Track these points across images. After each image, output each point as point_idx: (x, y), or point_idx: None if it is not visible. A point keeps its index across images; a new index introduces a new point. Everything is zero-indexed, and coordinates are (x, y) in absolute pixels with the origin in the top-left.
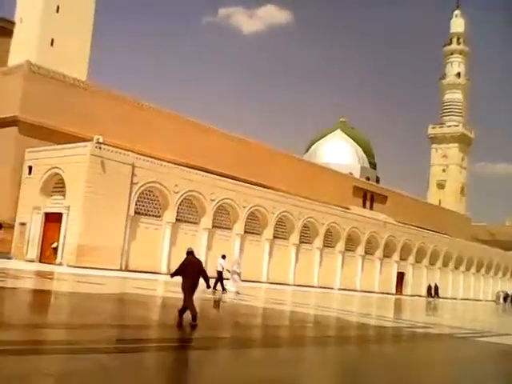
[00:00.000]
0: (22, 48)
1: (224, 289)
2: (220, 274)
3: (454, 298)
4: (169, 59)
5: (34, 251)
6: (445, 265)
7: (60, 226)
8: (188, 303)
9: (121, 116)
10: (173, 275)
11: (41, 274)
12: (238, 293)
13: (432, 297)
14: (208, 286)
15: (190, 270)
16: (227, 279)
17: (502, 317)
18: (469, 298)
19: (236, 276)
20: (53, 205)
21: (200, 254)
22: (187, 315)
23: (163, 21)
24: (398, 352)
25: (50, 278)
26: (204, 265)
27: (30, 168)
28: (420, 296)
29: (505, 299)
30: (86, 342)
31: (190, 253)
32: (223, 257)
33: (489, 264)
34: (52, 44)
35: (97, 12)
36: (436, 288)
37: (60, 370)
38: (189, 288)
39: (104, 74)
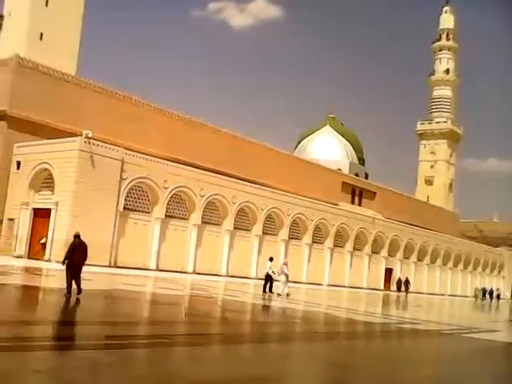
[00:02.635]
0: (11, 42)
1: (271, 291)
2: (269, 276)
3: (442, 294)
4: (158, 54)
5: (22, 247)
6: (433, 261)
7: (49, 222)
8: (76, 278)
9: (110, 111)
10: (65, 258)
11: (29, 270)
12: (288, 294)
13: (401, 291)
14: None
15: (78, 251)
16: (277, 280)
17: (487, 313)
18: (455, 294)
19: (284, 277)
20: (41, 200)
21: (189, 251)
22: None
23: (153, 15)
24: (378, 349)
25: (38, 274)
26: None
27: (19, 163)
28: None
29: (488, 295)
30: (75, 339)
31: (76, 236)
32: (271, 259)
33: (476, 260)
34: (41, 38)
35: (86, 6)
36: (406, 282)
37: (49, 366)
38: (76, 265)
39: (94, 68)
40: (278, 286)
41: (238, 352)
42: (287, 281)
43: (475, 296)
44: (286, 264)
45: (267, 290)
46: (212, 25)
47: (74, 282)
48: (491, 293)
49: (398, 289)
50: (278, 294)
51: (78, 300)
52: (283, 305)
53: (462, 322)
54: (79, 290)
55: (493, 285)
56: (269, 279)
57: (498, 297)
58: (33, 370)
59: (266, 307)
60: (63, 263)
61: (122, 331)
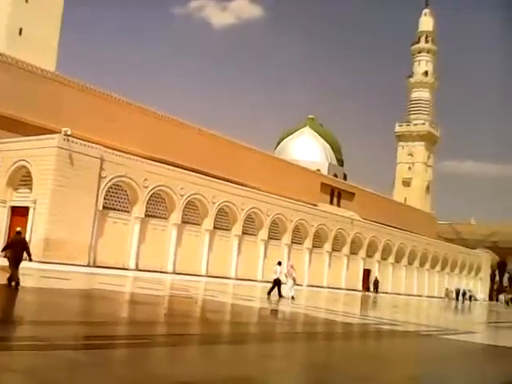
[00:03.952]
0: None
1: (280, 295)
2: (277, 281)
3: (420, 295)
4: (139, 51)
5: None
6: (410, 262)
7: (27, 220)
8: (13, 272)
9: (90, 108)
10: (3, 250)
11: (5, 269)
12: (293, 298)
13: (370, 291)
14: (30, 259)
15: (15, 246)
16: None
17: (459, 314)
18: (433, 295)
19: (291, 281)
20: (19, 198)
21: (169, 250)
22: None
23: (133, 12)
24: (357, 350)
25: None
26: (28, 244)
27: None
28: (386, 293)
29: (462, 296)
30: (52, 339)
31: (18, 233)
32: (279, 263)
33: (453, 262)
34: (20, 33)
35: (67, 3)
36: (376, 282)
37: (26, 366)
38: (14, 260)
39: (73, 65)
40: (284, 290)
41: (218, 352)
42: (294, 284)
43: (446, 296)
44: (292, 267)
45: (272, 293)
46: (193, 23)
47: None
48: (464, 294)
49: (367, 289)
50: (280, 296)
51: (16, 291)
52: (273, 306)
53: (438, 323)
54: (17, 284)
55: (466, 286)
56: (277, 283)
57: (471, 298)
58: (9, 370)
59: (257, 308)
60: (2, 250)
61: (99, 331)
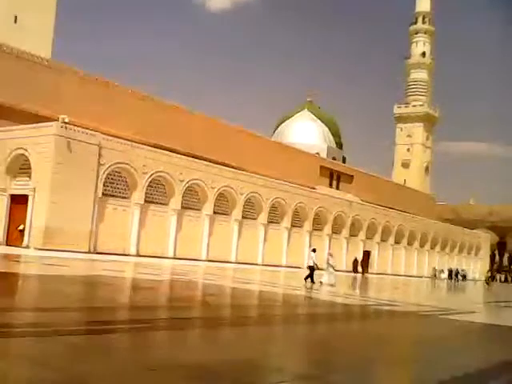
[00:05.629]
0: None
1: (313, 281)
2: (311, 267)
3: (420, 276)
4: (135, 36)
5: None
6: (410, 243)
7: (26, 209)
8: None
9: (87, 95)
10: None
11: (7, 257)
12: (332, 285)
13: (357, 272)
14: None
15: None
16: (319, 269)
17: (459, 294)
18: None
19: (330, 268)
20: (18, 186)
21: (169, 236)
22: None
23: None
24: (356, 331)
25: (16, 261)
26: None
27: None
28: (386, 274)
29: (455, 275)
30: (55, 324)
31: None
32: (313, 250)
33: (453, 242)
34: (15, 21)
35: None
36: (355, 262)
37: (29, 352)
38: None
39: (69, 52)
40: (321, 275)
41: (219, 336)
42: (334, 271)
43: (433, 276)
44: (331, 255)
45: (308, 280)
46: (188, 6)
47: None
48: (457, 273)
49: (355, 270)
50: (321, 282)
51: None
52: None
53: (440, 303)
54: None
55: (459, 266)
56: (311, 270)
57: (464, 277)
58: (12, 355)
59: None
60: None
61: (101, 316)
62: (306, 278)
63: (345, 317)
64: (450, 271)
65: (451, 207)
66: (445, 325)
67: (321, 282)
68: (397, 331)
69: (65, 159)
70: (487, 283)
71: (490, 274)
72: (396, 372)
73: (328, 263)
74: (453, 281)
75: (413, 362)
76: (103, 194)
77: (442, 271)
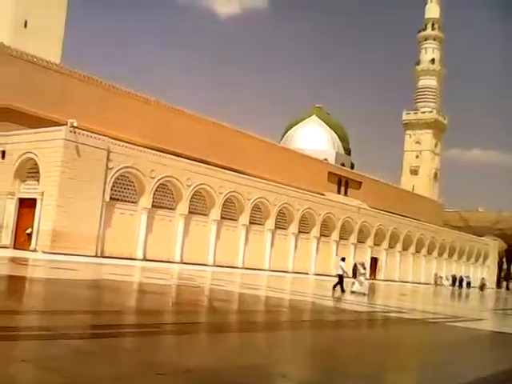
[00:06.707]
0: None
1: (343, 290)
2: (341, 276)
3: (428, 283)
4: (144, 41)
5: (7, 237)
6: (418, 250)
7: (34, 212)
8: None
9: (95, 100)
10: None
11: (15, 261)
12: (364, 294)
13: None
14: None
15: None
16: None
17: (466, 302)
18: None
19: (362, 277)
20: (27, 190)
21: (176, 241)
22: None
23: (138, 2)
24: (363, 338)
25: (24, 265)
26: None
27: (3, 153)
28: (393, 281)
29: (458, 282)
30: (61, 328)
31: None
32: (343, 259)
33: (461, 249)
34: (26, 25)
35: None
36: (354, 268)
37: (35, 355)
38: None
39: (79, 57)
40: (353, 284)
41: (228, 340)
42: (365, 279)
43: (435, 282)
44: (363, 265)
45: (337, 288)
46: (197, 12)
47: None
48: (461, 281)
49: (354, 275)
50: (352, 292)
51: None
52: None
53: (446, 310)
54: None
55: (463, 273)
56: (341, 278)
57: (469, 284)
58: (19, 359)
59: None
60: None
61: (108, 320)
62: (334, 287)
63: (353, 323)
64: (454, 278)
65: (459, 214)
66: (452, 332)
67: (352, 292)
68: (405, 338)
69: (73, 163)
70: (481, 290)
71: (483, 282)
72: (404, 379)
73: (360, 272)
74: (456, 288)
75: (421, 368)
76: (111, 198)
77: (446, 278)
